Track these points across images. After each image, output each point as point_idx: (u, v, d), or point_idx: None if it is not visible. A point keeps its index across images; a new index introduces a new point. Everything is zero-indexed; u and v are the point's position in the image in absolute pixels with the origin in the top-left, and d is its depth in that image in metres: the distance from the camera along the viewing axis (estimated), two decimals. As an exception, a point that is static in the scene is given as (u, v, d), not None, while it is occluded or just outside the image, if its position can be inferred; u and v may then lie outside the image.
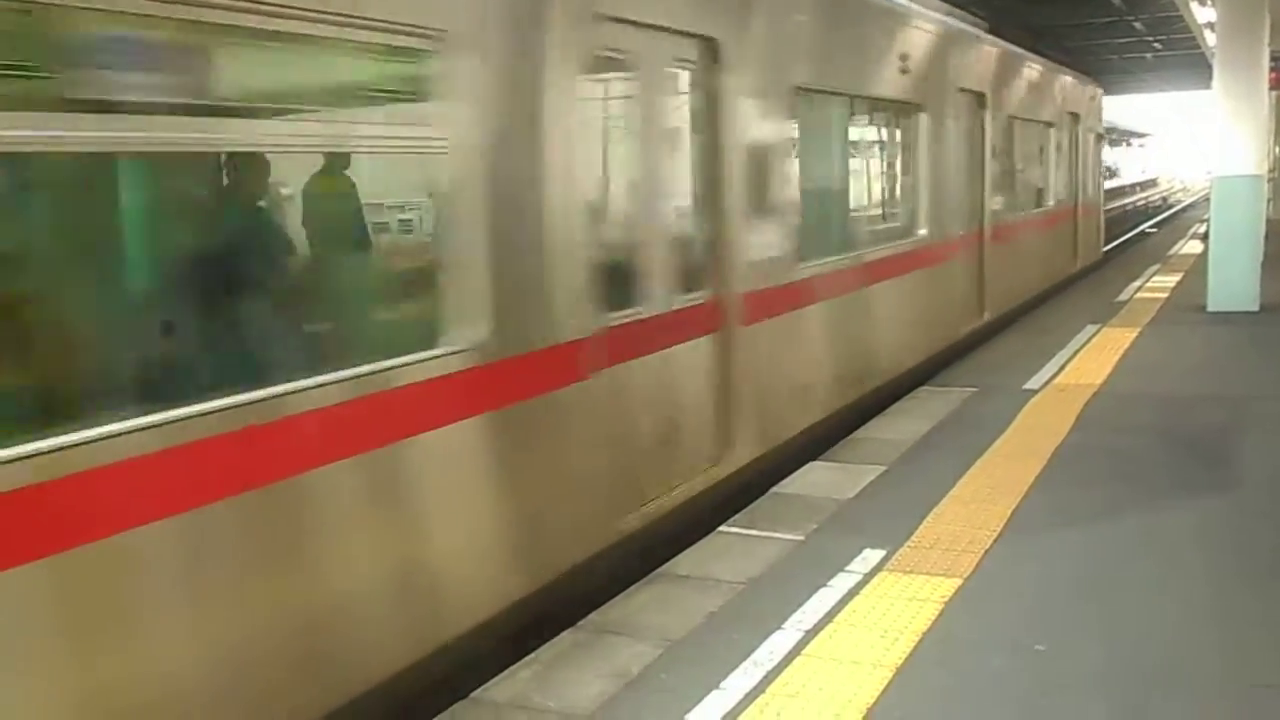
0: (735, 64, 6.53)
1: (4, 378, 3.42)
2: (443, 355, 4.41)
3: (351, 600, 4.01)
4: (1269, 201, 17.85)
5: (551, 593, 5.00)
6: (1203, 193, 43.76)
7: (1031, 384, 9.10)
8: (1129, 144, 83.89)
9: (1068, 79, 17.08)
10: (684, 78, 6.42)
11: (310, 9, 3.77)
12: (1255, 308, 12.56)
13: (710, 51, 6.39)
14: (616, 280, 5.58)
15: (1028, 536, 5.61)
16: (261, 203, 4.55)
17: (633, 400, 5.69)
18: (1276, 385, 9.07)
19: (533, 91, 4.92)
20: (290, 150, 4.33)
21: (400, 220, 5.40)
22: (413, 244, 5.33)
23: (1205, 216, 16.73)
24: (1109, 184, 57.36)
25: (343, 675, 3.99)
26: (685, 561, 5.53)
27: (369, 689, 4.04)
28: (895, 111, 10.08)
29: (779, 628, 4.59)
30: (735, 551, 5.62)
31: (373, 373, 4.10)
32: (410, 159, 4.84)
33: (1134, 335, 11.34)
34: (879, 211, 10.38)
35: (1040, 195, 15.43)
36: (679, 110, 6.50)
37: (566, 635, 4.73)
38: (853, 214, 9.79)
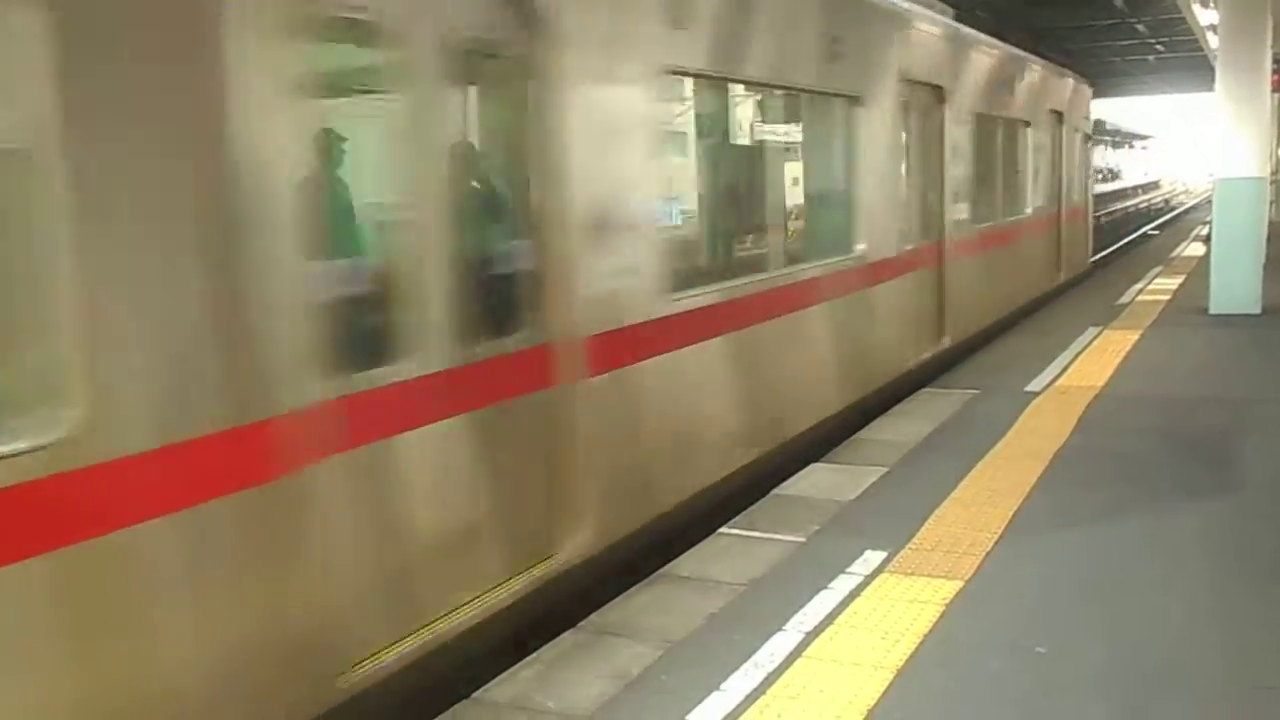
0: (568, 39, 5.14)
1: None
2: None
3: None
4: (1271, 204, 17.88)
5: None
6: (1205, 195, 43.80)
7: (1033, 386, 9.10)
8: (1131, 146, 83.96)
9: (1048, 73, 15.61)
10: (481, 55, 5.06)
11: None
12: (1257, 310, 12.55)
13: (524, 16, 4.95)
14: (364, 326, 4.37)
15: (1029, 538, 5.60)
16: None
17: (379, 497, 4.21)
18: (1278, 388, 9.06)
19: None
20: None
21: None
22: None
23: (1207, 219, 16.69)
24: (1110, 186, 57.65)
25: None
26: (686, 563, 5.54)
27: None
28: (822, 105, 8.79)
29: (780, 629, 4.58)
30: (736, 553, 5.62)
31: None
32: None
33: (1136, 337, 11.33)
34: (801, 225, 8.84)
35: (1015, 201, 14.00)
36: (469, 99, 5.34)
37: (567, 636, 4.73)
38: (763, 229, 8.34)
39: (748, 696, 4.04)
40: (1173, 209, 48.68)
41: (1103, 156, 74.51)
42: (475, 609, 4.56)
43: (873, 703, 3.97)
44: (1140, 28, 30.55)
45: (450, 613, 4.45)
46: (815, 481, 6.80)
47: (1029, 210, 14.32)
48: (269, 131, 3.68)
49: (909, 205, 9.88)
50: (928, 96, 10.30)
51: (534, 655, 4.56)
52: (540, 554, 5.00)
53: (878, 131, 8.96)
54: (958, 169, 11.05)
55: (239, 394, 3.59)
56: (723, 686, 4.12)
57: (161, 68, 3.38)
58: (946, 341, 10.63)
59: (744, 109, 8.48)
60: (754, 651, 4.39)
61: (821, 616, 4.71)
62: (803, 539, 5.72)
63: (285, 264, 3.73)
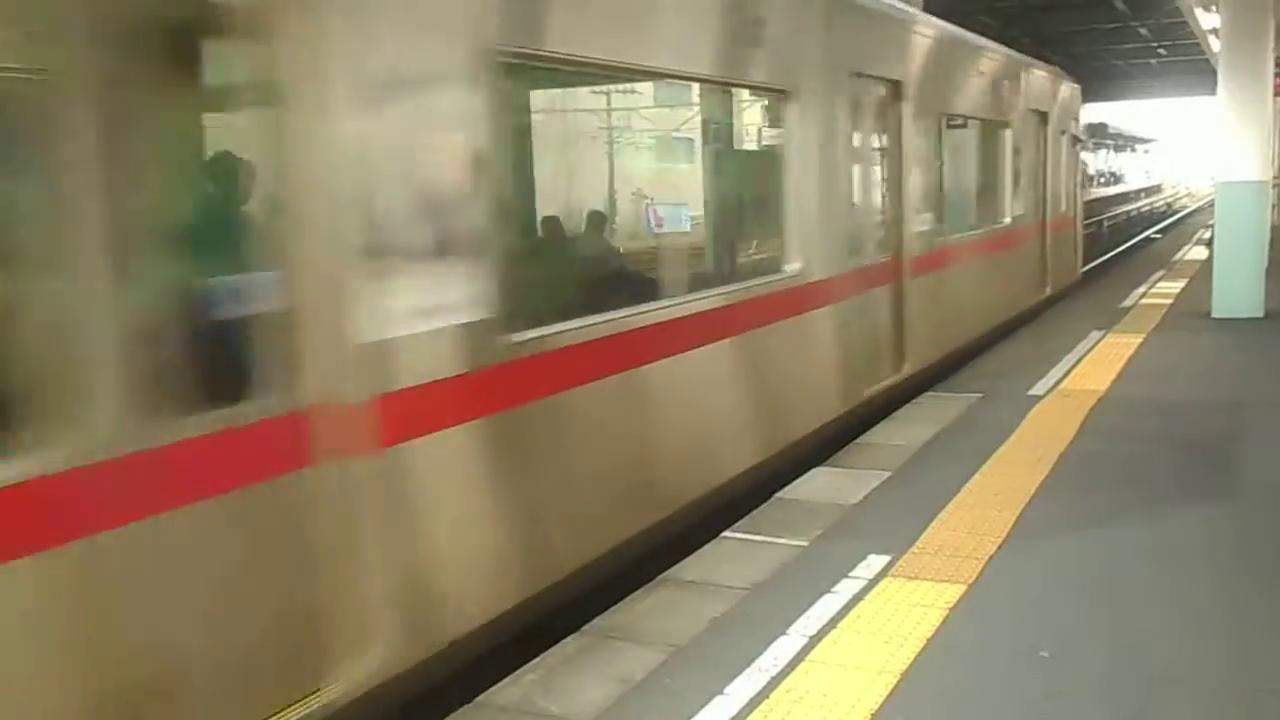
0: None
1: None
2: None
3: None
4: (1274, 207, 17.85)
5: None
6: (1207, 199, 43.79)
7: (1036, 389, 9.09)
8: (1133, 150, 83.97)
9: (1032, 71, 14.31)
10: None
11: None
12: (1260, 314, 12.54)
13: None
14: None
15: (1033, 542, 5.59)
16: None
17: None
18: (1282, 391, 9.06)
19: None
20: None
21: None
22: None
23: (1210, 222, 16.67)
24: (1112, 190, 57.61)
25: None
26: (689, 567, 5.53)
27: None
28: (735, 99, 7.83)
29: (783, 633, 4.58)
30: (739, 557, 5.61)
31: None
32: None
33: (1139, 341, 11.32)
34: (712, 241, 7.75)
35: (992, 210, 12.88)
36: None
37: (570, 640, 4.73)
38: (651, 247, 7.32)
39: (750, 700, 4.04)
40: (1175, 213, 48.68)
41: (1105, 160, 74.59)
42: None
43: (876, 707, 3.96)
44: (1143, 31, 30.57)
45: None
46: (818, 485, 6.79)
47: (1008, 220, 13.14)
48: None
49: (859, 216, 8.67)
50: (881, 93, 9.10)
51: (537, 659, 4.55)
52: (302, 688, 3.78)
53: (814, 131, 7.69)
54: (920, 175, 9.84)
55: None
56: (726, 690, 4.11)
57: None
58: (908, 368, 9.39)
59: (620, 99, 7.36)
60: (757, 655, 4.38)
61: (825, 620, 4.70)
62: (805, 543, 5.72)
63: None
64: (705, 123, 7.97)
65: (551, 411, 5.06)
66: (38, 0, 3.22)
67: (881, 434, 8.02)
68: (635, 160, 7.62)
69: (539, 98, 6.64)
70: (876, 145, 9.10)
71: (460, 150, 4.57)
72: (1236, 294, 12.64)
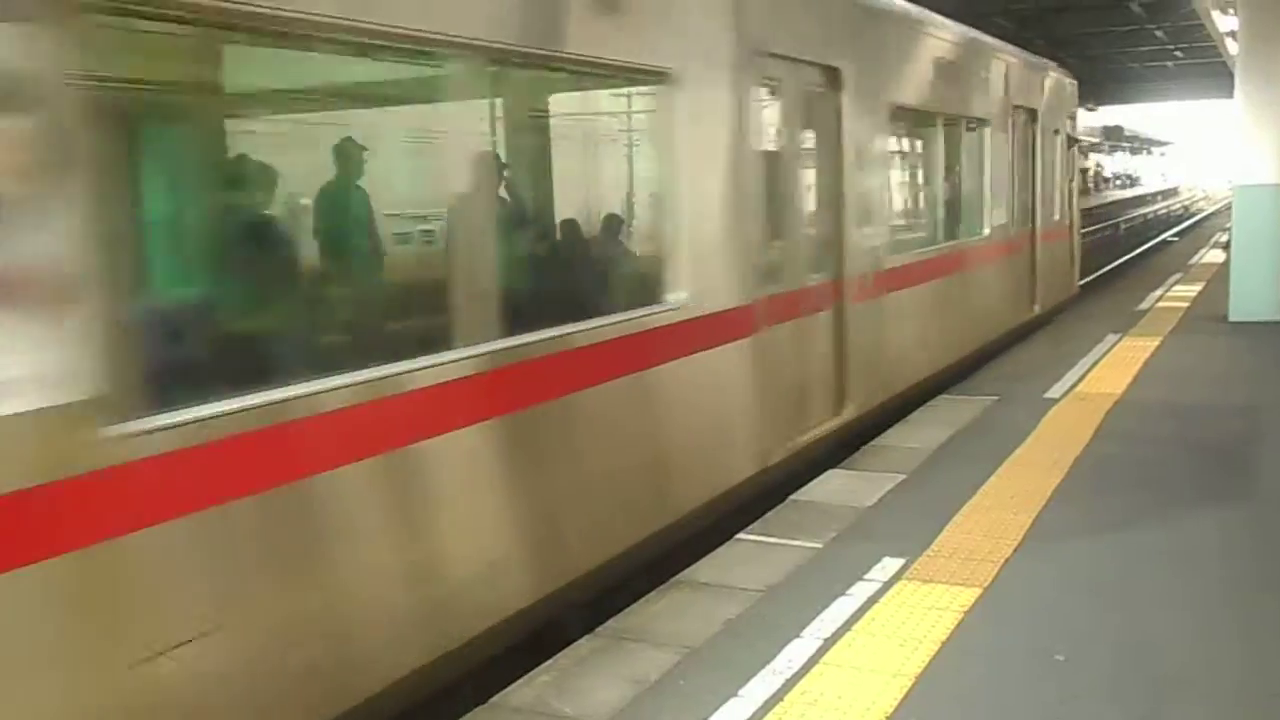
0: None
1: None
2: None
3: None
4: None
5: None
6: (1225, 201, 43.58)
7: (1053, 393, 9.06)
8: (1149, 152, 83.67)
9: (1017, 63, 12.57)
10: None
11: None
12: (1277, 317, 12.47)
13: None
14: None
15: (1048, 545, 5.58)
16: None
17: None
18: (1299, 395, 9.01)
19: None
20: None
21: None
22: None
23: (1227, 225, 16.59)
24: (1129, 193, 57.40)
25: None
26: (703, 569, 5.53)
27: None
28: (569, 83, 6.13)
29: (797, 636, 4.58)
30: (753, 559, 5.61)
31: None
32: None
33: (1155, 344, 11.28)
34: (540, 266, 6.10)
35: (965, 221, 11.25)
36: None
37: (584, 641, 4.74)
38: (401, 283, 5.45)
39: (765, 703, 4.03)
40: (1192, 216, 48.49)
41: (1122, 163, 74.33)
42: None
43: (891, 710, 3.96)
44: (1159, 34, 30.48)
45: None
46: (832, 488, 6.79)
47: (986, 231, 11.48)
48: None
49: (781, 231, 7.15)
50: (813, 81, 7.53)
51: (551, 661, 4.56)
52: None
53: (709, 126, 6.24)
54: (866, 181, 8.28)
55: None
56: (740, 693, 4.11)
57: None
58: (850, 410, 7.94)
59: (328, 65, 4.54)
60: (772, 658, 4.38)
61: (839, 623, 4.69)
62: (820, 545, 5.72)
63: None
64: (515, 110, 5.99)
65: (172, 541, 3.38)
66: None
67: (896, 436, 8.01)
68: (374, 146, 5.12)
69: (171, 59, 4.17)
70: (805, 145, 7.56)
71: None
72: (1254, 297, 12.58)
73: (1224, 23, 16.69)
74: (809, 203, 7.70)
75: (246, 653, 3.57)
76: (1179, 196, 66.06)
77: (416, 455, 4.26)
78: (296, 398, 3.76)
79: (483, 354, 4.58)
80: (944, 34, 10.29)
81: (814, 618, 4.74)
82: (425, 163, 5.54)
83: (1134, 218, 42.16)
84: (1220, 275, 15.33)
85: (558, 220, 6.56)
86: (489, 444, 4.66)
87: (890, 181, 8.89)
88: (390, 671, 4.10)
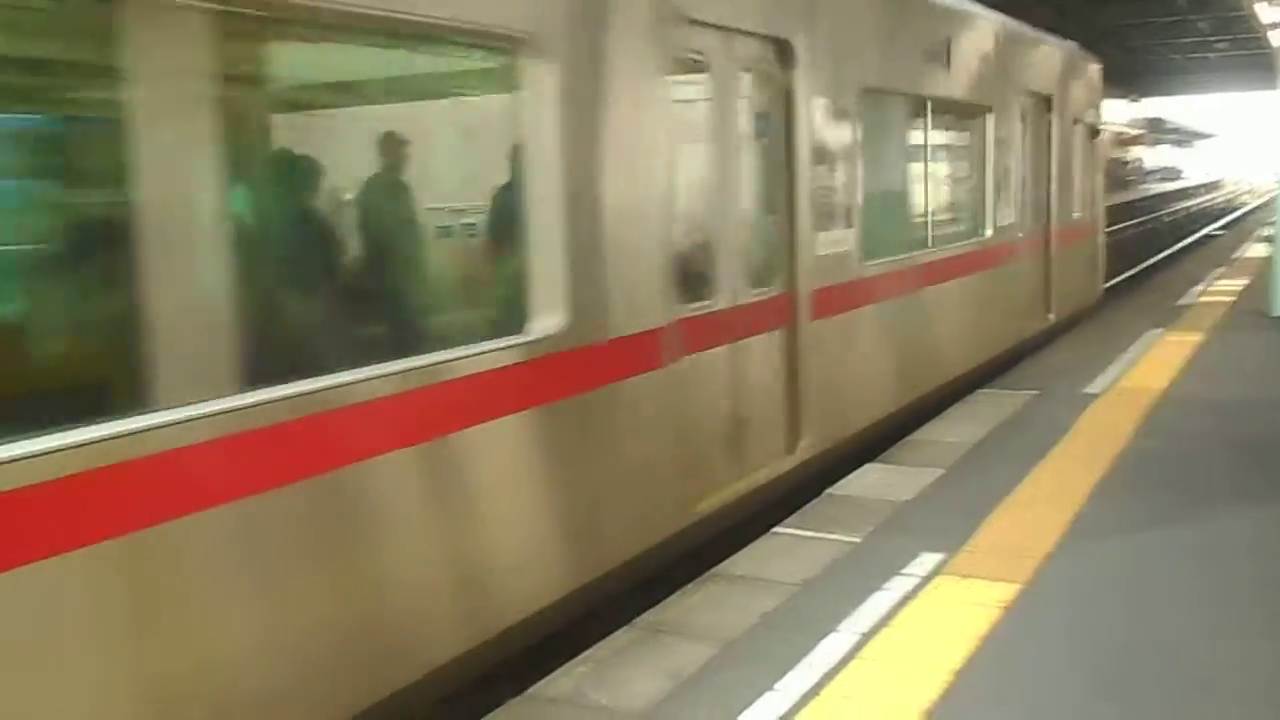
0: None
1: None
2: None
3: None
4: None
5: None
6: (1269, 195, 43.06)
7: (1093, 388, 8.98)
8: (1192, 145, 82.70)
9: (1028, 43, 11.33)
10: None
11: None
12: (1321, 312, 12.32)
13: None
14: None
15: (1088, 542, 5.53)
16: None
17: None
18: (1345, 391, 8.89)
19: None
20: None
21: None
22: None
23: (1271, 219, 16.36)
24: (1171, 185, 56.77)
25: None
26: (739, 562, 5.52)
27: None
28: (388, 58, 4.49)
29: (834, 630, 4.56)
30: (789, 552, 5.59)
31: None
32: None
33: (1198, 340, 11.15)
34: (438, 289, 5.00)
35: (963, 220, 10.08)
36: None
37: (620, 633, 4.74)
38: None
39: (802, 697, 4.02)
40: (1235, 209, 47.88)
41: (1164, 156, 73.50)
42: None
43: (929, 705, 3.93)
44: (1202, 25, 30.14)
45: None
46: (869, 482, 6.75)
47: (987, 233, 10.21)
48: None
49: (707, 240, 6.00)
50: (754, 56, 6.34)
51: (587, 653, 4.57)
52: None
53: (590, 110, 4.95)
54: (828, 177, 7.08)
55: None
56: (776, 686, 4.10)
57: None
58: (806, 447, 6.78)
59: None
60: (808, 652, 4.36)
61: (877, 617, 4.67)
62: (857, 539, 5.69)
63: None
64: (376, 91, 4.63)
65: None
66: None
67: (934, 431, 7.95)
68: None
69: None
70: (742, 134, 6.32)
71: None
72: (1297, 292, 12.37)
73: (1268, 14, 16.44)
74: (749, 204, 6.49)
75: None
76: (1222, 190, 65.25)
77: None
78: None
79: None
80: (932, 4, 9.05)
81: (851, 612, 4.73)
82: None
83: (1176, 211, 41.69)
84: (1264, 270, 15.12)
85: (339, 232, 4.61)
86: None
87: (860, 177, 7.48)
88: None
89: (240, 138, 3.74)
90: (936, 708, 3.91)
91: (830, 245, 7.09)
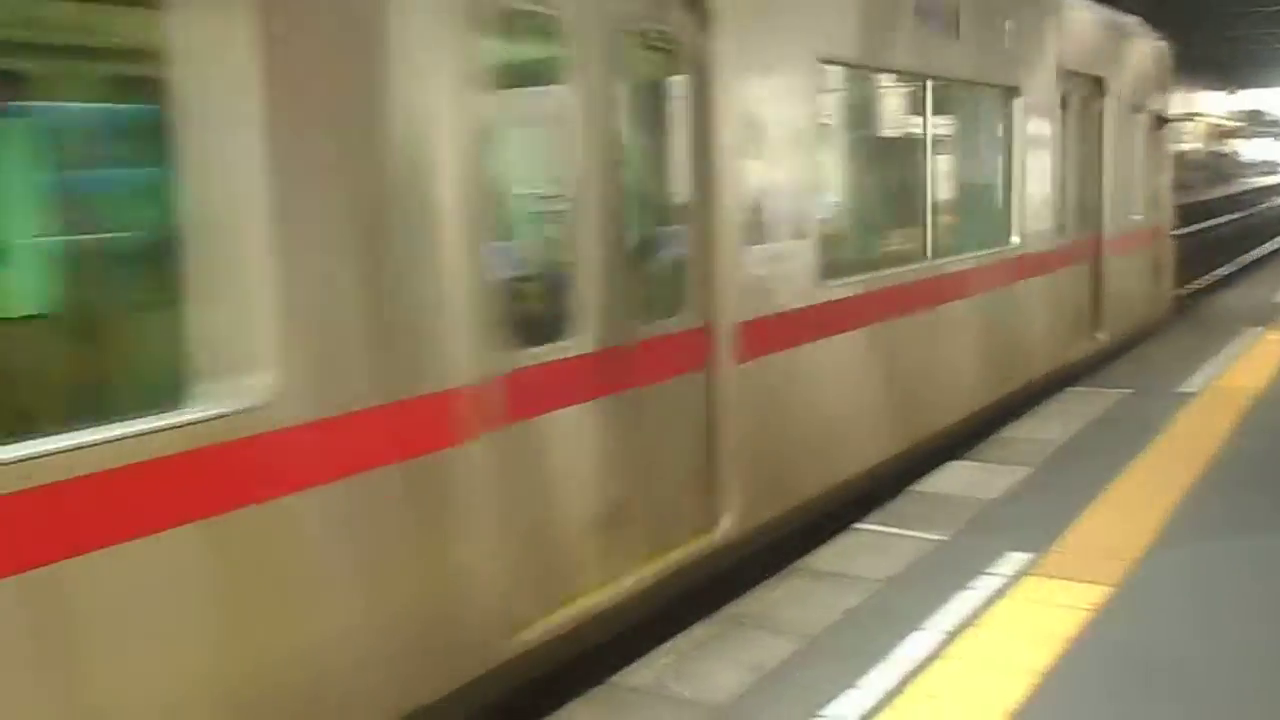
0: None
1: None
2: None
3: None
4: None
5: None
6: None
7: (1188, 387, 8.77)
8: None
9: (1071, 14, 9.58)
10: None
11: None
12: None
13: None
14: None
15: (1182, 544, 5.39)
16: None
17: None
18: None
19: None
20: None
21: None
22: None
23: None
24: (1270, 179, 55.01)
25: None
26: (823, 557, 5.48)
27: None
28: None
29: (919, 628, 4.51)
30: (873, 548, 5.54)
31: None
32: None
33: (1298, 338, 10.84)
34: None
35: (983, 226, 8.59)
36: None
37: (701, 626, 4.73)
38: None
39: (885, 695, 3.99)
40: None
41: (1263, 149, 71.35)
42: None
43: (1014, 706, 3.87)
44: (1310, 13, 29.18)
45: None
46: (955, 479, 6.66)
47: (1015, 240, 8.67)
48: None
49: (566, 263, 4.57)
50: (641, 15, 4.92)
51: (670, 644, 4.57)
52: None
53: (319, 79, 3.44)
54: (764, 171, 5.57)
55: None
56: (859, 684, 4.07)
57: None
58: (730, 525, 5.33)
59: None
60: (892, 649, 4.32)
61: (962, 617, 4.61)
62: (942, 537, 5.62)
63: None
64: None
65: None
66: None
67: (1023, 429, 7.82)
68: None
69: None
70: (624, 119, 4.85)
71: None
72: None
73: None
74: (638, 208, 5.08)
75: None
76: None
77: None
78: None
79: None
80: None
81: (936, 610, 4.67)
82: None
83: (1276, 205, 40.65)
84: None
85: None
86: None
87: (818, 174, 6.15)
88: None
89: None
90: (1021, 709, 3.85)
91: (767, 263, 5.61)
